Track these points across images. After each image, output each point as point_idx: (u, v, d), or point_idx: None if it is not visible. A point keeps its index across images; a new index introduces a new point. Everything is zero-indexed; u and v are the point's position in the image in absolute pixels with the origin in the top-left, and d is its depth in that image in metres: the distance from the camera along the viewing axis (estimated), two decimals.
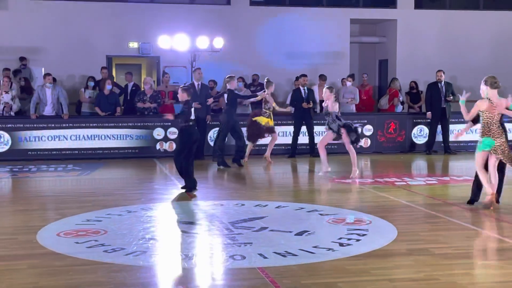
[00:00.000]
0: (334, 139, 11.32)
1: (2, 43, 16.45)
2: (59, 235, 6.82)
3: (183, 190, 9.62)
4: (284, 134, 14.61)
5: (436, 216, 7.91)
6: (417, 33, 18.82)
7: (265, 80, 13.02)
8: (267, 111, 12.74)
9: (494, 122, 7.99)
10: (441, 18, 19.05)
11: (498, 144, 7.97)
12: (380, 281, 5.27)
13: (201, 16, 17.35)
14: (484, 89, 8.09)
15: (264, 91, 13.02)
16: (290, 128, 14.41)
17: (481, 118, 8.11)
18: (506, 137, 8.12)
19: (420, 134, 15.51)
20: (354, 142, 11.10)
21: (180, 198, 9.26)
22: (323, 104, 11.41)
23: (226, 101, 12.60)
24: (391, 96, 16.34)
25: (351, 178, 10.89)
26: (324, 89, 11.46)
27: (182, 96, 9.68)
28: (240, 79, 15.74)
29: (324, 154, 11.28)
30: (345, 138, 10.99)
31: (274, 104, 12.83)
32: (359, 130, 11.52)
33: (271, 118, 12.85)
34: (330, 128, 11.10)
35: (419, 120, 15.57)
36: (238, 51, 17.42)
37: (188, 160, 9.54)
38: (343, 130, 10.94)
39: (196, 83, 13.85)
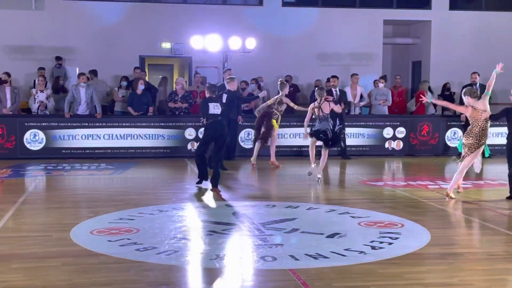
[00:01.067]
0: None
1: (37, 42, 16.72)
2: (92, 233, 6.89)
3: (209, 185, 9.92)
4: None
5: (471, 220, 7.80)
6: (452, 34, 18.60)
7: (279, 81, 12.82)
8: (278, 113, 12.53)
9: (479, 125, 9.00)
10: (476, 19, 18.80)
11: (469, 142, 9.02)
12: (412, 286, 5.21)
13: (233, 16, 17.39)
14: (464, 99, 9.37)
15: (264, 92, 13.09)
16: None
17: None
18: (483, 142, 9.06)
19: (454, 137, 15.31)
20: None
21: (211, 198, 9.29)
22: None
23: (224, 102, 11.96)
24: (417, 98, 16.17)
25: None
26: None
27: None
28: (253, 81, 15.66)
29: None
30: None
31: (292, 104, 12.61)
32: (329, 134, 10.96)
33: (278, 121, 12.69)
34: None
35: (453, 123, 15.37)
36: (270, 51, 17.43)
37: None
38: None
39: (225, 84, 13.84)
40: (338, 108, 11.16)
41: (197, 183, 10.21)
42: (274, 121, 12.55)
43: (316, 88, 11.52)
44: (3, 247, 6.30)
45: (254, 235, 6.88)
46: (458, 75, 17.44)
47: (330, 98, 11.32)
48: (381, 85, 15.65)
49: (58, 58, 16.38)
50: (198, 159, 10.15)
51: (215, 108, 9.91)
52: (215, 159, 10.13)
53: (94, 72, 15.65)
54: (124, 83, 14.97)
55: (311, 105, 11.12)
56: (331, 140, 10.84)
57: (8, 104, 13.94)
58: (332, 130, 10.81)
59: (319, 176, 10.81)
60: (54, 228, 7.17)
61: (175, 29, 17.29)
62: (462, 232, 7.28)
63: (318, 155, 11.20)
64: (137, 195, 9.48)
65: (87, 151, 13.91)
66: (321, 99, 10.87)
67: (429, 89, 15.79)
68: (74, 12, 16.96)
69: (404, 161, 14.07)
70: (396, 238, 6.75)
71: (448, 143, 15.32)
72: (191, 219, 8.00)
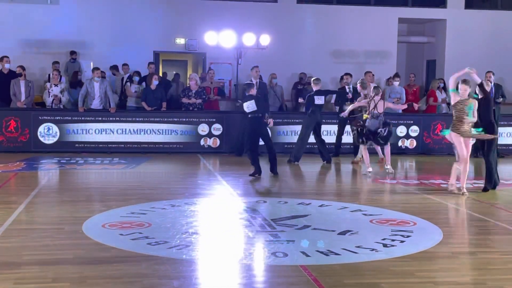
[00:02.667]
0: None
1: (52, 36, 16.80)
2: (104, 227, 6.93)
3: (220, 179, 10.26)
4: (328, 133, 14.52)
5: (483, 219, 7.75)
6: (467, 33, 18.48)
7: (359, 82, 12.78)
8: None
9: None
10: (491, 18, 18.66)
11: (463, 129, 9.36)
12: (424, 284, 5.19)
13: (248, 13, 17.38)
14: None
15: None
16: (334, 127, 14.30)
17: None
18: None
19: None
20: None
21: (223, 193, 9.30)
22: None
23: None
24: (428, 97, 16.09)
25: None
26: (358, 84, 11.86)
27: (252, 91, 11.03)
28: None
29: (366, 154, 11.47)
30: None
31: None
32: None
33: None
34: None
35: None
36: (284, 48, 17.41)
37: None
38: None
39: (254, 81, 13.90)
40: (396, 106, 12.04)
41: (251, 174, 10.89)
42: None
43: (374, 86, 11.76)
44: (16, 239, 6.34)
45: (265, 231, 6.88)
46: None
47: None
48: (396, 83, 15.56)
49: (72, 53, 16.46)
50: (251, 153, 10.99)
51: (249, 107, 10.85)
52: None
53: (115, 68, 15.75)
54: (136, 78, 15.00)
55: (366, 100, 11.52)
56: (383, 138, 11.29)
57: (23, 97, 14.02)
58: (384, 129, 11.23)
59: (389, 168, 11.50)
60: (67, 221, 7.21)
61: (190, 25, 17.31)
62: (474, 231, 7.23)
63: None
64: (149, 190, 9.51)
65: (101, 145, 13.96)
66: (375, 96, 11.06)
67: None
68: (89, 7, 17.02)
69: (417, 160, 13.99)
70: (408, 236, 6.72)
71: None
72: (203, 214, 8.01)
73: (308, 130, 12.90)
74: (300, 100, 13.97)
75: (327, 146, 13.21)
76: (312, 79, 13.35)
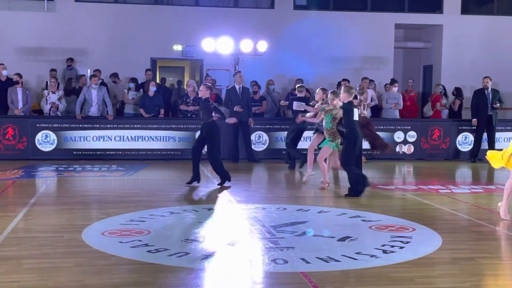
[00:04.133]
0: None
1: (49, 44, 16.82)
2: (103, 234, 6.92)
3: (218, 186, 10.15)
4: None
5: (482, 225, 7.76)
6: (463, 38, 18.56)
7: (359, 86, 12.68)
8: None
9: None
10: (488, 23, 18.75)
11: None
12: None
13: (245, 19, 17.43)
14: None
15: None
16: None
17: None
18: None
19: (465, 141, 15.27)
20: None
21: (221, 200, 9.30)
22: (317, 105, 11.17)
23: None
24: (433, 102, 16.14)
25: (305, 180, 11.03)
26: (317, 90, 11.37)
27: (205, 93, 10.36)
28: (254, 83, 15.59)
29: (311, 158, 11.22)
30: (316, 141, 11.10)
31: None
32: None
33: None
34: (318, 130, 11.11)
35: (464, 127, 15.33)
36: (281, 54, 17.44)
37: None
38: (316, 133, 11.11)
39: (237, 87, 13.94)
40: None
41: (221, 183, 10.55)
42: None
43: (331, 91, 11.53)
44: (15, 248, 6.33)
45: (265, 238, 6.88)
46: (470, 80, 17.39)
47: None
48: (395, 89, 15.61)
49: (69, 60, 16.46)
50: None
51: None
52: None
53: (116, 75, 15.77)
54: (131, 85, 14.99)
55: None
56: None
57: (20, 105, 14.02)
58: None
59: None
60: (66, 229, 7.20)
61: (187, 31, 17.34)
62: (473, 236, 7.24)
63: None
64: (148, 197, 9.50)
65: (98, 152, 13.96)
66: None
67: (445, 93, 15.81)
68: (86, 14, 17.05)
69: (415, 165, 14.02)
70: (408, 242, 6.73)
71: (460, 147, 15.28)
72: (202, 221, 8.00)
73: (290, 134, 12.86)
74: (283, 102, 14.11)
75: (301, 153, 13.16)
76: (297, 85, 13.36)
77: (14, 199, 9.32)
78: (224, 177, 10.53)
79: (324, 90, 11.15)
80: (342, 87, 10.06)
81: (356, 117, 9.74)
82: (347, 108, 9.64)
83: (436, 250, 6.46)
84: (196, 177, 10.54)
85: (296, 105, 12.18)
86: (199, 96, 10.83)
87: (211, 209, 8.70)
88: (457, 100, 16.32)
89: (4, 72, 14.37)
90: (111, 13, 17.20)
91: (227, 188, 10.30)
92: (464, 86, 16.86)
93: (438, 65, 18.85)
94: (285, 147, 13.52)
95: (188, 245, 6.54)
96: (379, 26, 18.24)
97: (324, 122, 10.16)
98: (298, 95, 12.89)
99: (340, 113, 9.92)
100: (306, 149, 11.74)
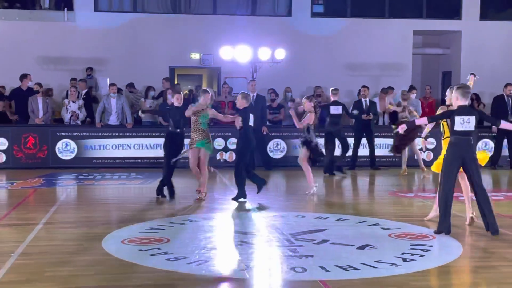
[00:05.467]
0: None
1: (69, 53, 16.99)
2: (123, 242, 6.96)
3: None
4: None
5: (503, 233, 7.68)
6: (482, 44, 18.43)
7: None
8: None
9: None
10: (507, 29, 18.62)
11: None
12: None
13: (263, 27, 17.46)
14: None
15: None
16: (350, 140, 14.30)
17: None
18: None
19: (485, 148, 15.14)
20: (314, 160, 10.61)
21: (240, 208, 9.31)
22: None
23: None
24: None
25: (307, 194, 10.52)
26: (303, 99, 10.91)
27: (241, 103, 9.97)
28: (271, 90, 15.59)
29: (308, 171, 10.60)
30: (305, 153, 10.52)
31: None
32: (320, 148, 10.66)
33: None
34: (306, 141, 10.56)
35: (484, 134, 15.20)
36: (299, 62, 17.45)
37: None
38: (304, 145, 10.49)
39: (251, 94, 13.96)
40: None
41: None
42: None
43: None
44: (36, 256, 6.39)
45: (284, 246, 6.88)
46: (489, 86, 17.23)
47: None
48: (413, 95, 15.54)
49: (89, 69, 16.62)
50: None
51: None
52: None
53: (131, 85, 15.89)
54: (152, 93, 15.08)
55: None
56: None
57: (41, 114, 14.17)
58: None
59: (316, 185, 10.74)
60: (86, 237, 7.25)
61: (205, 40, 17.42)
62: (494, 244, 7.16)
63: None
64: (167, 205, 9.54)
65: (118, 160, 14.06)
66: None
67: None
68: (105, 24, 17.19)
69: (435, 173, 13.91)
70: (428, 250, 6.68)
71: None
72: (221, 229, 8.02)
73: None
74: (291, 106, 13.63)
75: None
76: (331, 89, 13.42)
77: (35, 208, 9.40)
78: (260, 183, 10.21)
79: (310, 98, 10.77)
80: (240, 94, 9.95)
81: (251, 123, 9.75)
82: (242, 114, 9.71)
83: (457, 258, 6.41)
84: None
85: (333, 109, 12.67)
86: (237, 106, 10.14)
87: (229, 217, 8.71)
88: (477, 107, 16.19)
89: (29, 84, 14.57)
90: (130, 22, 17.34)
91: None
92: (483, 92, 16.73)
93: (457, 71, 18.73)
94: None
95: (207, 253, 6.55)
96: (397, 33, 18.19)
97: (200, 123, 9.71)
98: (333, 99, 13.00)
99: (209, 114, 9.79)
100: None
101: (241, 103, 9.92)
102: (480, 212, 7.51)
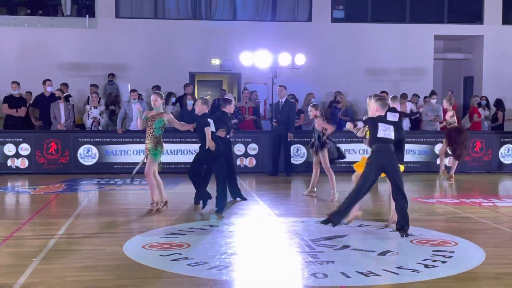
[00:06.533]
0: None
1: (91, 60, 17.12)
2: (144, 247, 6.98)
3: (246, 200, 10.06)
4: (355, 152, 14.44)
5: None
6: (505, 49, 18.25)
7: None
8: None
9: None
10: None
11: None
12: None
13: (283, 33, 17.46)
14: None
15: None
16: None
17: None
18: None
19: (508, 153, 14.98)
20: (333, 159, 10.65)
21: (260, 214, 9.30)
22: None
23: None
24: (470, 114, 15.92)
25: (332, 200, 10.44)
26: (309, 107, 10.97)
27: (200, 108, 9.49)
28: (291, 96, 15.51)
29: (332, 177, 10.62)
30: (322, 158, 10.54)
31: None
32: (339, 148, 10.74)
33: None
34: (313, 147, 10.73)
35: (507, 139, 15.04)
36: (319, 67, 17.41)
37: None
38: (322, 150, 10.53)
39: (280, 100, 14.04)
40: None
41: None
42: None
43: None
44: (59, 261, 6.43)
45: (304, 252, 6.86)
46: (511, 91, 17.09)
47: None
48: (433, 101, 15.44)
49: (110, 75, 16.75)
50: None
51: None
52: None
53: (158, 88, 15.93)
54: (173, 99, 15.15)
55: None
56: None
57: (62, 120, 14.29)
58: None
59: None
60: (107, 242, 7.29)
61: (225, 45, 17.47)
62: None
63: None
64: (187, 210, 9.56)
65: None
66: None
67: (487, 105, 15.56)
68: (126, 30, 17.32)
69: (456, 178, 13.78)
70: (450, 257, 6.62)
71: (502, 160, 14.99)
72: (241, 234, 8.01)
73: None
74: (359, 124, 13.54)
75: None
76: (391, 97, 13.26)
77: (57, 213, 9.48)
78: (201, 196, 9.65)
79: (315, 106, 10.88)
80: (199, 100, 9.62)
81: (213, 129, 9.38)
82: (201, 120, 9.40)
83: (480, 264, 6.35)
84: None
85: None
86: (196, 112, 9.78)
87: (250, 223, 8.70)
88: (500, 112, 16.05)
89: (49, 89, 14.72)
90: (151, 28, 17.44)
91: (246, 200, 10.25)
92: (505, 97, 16.57)
93: (479, 76, 18.56)
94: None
95: (227, 258, 6.55)
96: (418, 38, 18.08)
97: (154, 129, 9.22)
98: (392, 105, 12.90)
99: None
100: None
101: (200, 109, 9.49)
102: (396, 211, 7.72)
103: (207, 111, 9.54)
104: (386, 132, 7.58)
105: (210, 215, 9.06)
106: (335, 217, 7.61)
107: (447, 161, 13.96)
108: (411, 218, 9.06)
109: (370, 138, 7.82)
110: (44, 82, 14.80)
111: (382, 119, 7.74)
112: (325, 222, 7.68)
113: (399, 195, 7.55)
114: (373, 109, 7.81)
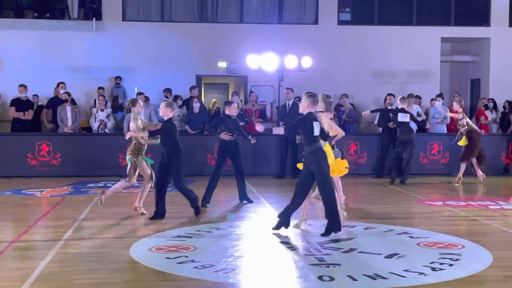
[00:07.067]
0: None
1: (98, 63, 17.17)
2: (151, 250, 6.99)
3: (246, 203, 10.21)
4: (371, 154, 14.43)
5: None
6: None
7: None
8: None
9: None
10: None
11: None
12: None
13: (289, 35, 17.46)
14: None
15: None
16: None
17: None
18: None
19: None
20: None
21: (267, 217, 9.29)
22: None
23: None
24: (477, 116, 15.87)
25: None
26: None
27: (165, 111, 9.03)
28: (297, 99, 15.51)
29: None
30: None
31: None
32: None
33: None
34: None
35: None
36: (325, 70, 17.41)
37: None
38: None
39: (287, 103, 14.06)
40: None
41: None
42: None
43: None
44: (66, 263, 6.45)
45: (311, 254, 6.85)
46: None
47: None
48: (438, 103, 15.40)
49: (118, 78, 16.78)
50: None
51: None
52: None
53: (169, 90, 15.94)
54: (180, 102, 15.17)
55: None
56: None
57: (69, 122, 14.33)
58: None
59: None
60: (114, 245, 7.30)
61: (231, 48, 17.49)
62: None
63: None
64: (193, 213, 9.53)
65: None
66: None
67: (494, 107, 15.51)
68: (133, 33, 17.36)
69: (464, 181, 13.74)
70: (457, 260, 6.60)
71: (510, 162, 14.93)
72: (248, 237, 8.01)
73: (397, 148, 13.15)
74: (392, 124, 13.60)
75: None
76: (400, 98, 13.26)
77: (63, 215, 9.49)
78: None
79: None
80: (163, 103, 9.20)
81: (177, 134, 9.06)
82: (166, 124, 8.99)
83: (487, 267, 6.32)
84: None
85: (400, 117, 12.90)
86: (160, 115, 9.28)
87: (256, 225, 8.70)
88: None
89: (62, 91, 14.79)
90: (157, 31, 17.48)
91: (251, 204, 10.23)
92: None
93: (486, 78, 18.51)
94: None
95: (234, 261, 6.55)
96: (425, 40, 18.05)
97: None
98: (401, 106, 12.97)
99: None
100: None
101: (164, 112, 9.03)
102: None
103: (171, 115, 9.09)
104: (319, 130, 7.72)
105: (227, 214, 9.17)
106: (281, 221, 7.96)
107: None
108: (417, 221, 9.06)
109: (305, 137, 7.76)
110: (58, 85, 14.88)
111: (314, 117, 7.75)
112: (276, 227, 8.02)
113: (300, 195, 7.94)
114: (304, 105, 7.81)
